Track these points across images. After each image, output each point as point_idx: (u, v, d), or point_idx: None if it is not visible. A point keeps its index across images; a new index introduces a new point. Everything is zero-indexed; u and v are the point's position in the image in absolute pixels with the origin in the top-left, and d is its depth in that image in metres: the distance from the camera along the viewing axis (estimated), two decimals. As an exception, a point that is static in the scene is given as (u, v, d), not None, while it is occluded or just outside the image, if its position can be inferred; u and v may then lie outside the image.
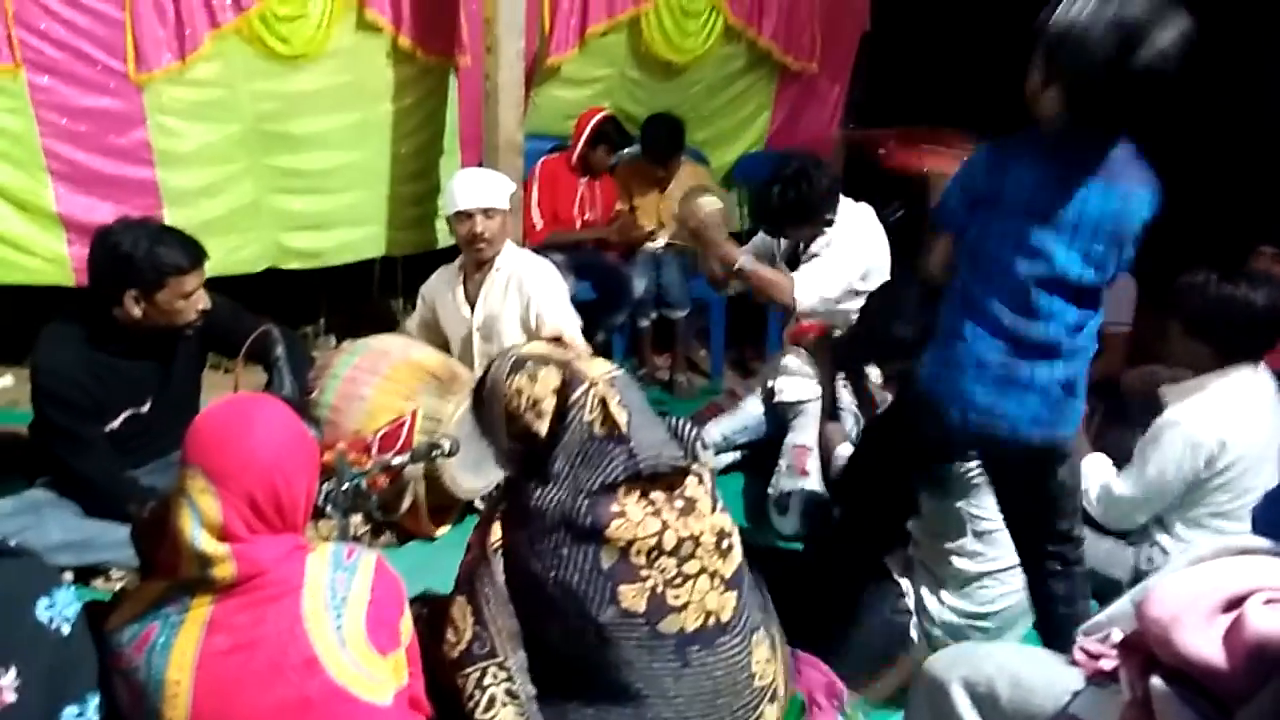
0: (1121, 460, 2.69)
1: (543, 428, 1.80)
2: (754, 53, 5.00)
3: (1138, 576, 2.63)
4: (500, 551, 1.83)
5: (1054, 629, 2.17)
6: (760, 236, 3.50)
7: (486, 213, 3.17)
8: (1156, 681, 0.97)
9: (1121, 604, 1.27)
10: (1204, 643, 0.94)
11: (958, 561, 2.40)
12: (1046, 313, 1.96)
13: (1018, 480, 2.15)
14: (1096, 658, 1.20)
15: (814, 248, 3.17)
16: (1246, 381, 2.52)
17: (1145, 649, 1.02)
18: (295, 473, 1.47)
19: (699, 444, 1.86)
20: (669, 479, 1.78)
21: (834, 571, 2.46)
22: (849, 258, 3.09)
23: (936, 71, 5.20)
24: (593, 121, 4.30)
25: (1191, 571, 1.05)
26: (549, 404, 1.80)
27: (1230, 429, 2.47)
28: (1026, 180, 1.91)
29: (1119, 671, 1.11)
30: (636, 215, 4.61)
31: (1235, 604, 0.97)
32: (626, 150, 4.56)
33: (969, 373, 2.01)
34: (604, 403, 1.76)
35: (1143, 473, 2.56)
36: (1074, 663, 1.29)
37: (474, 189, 3.19)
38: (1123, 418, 3.19)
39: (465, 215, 3.17)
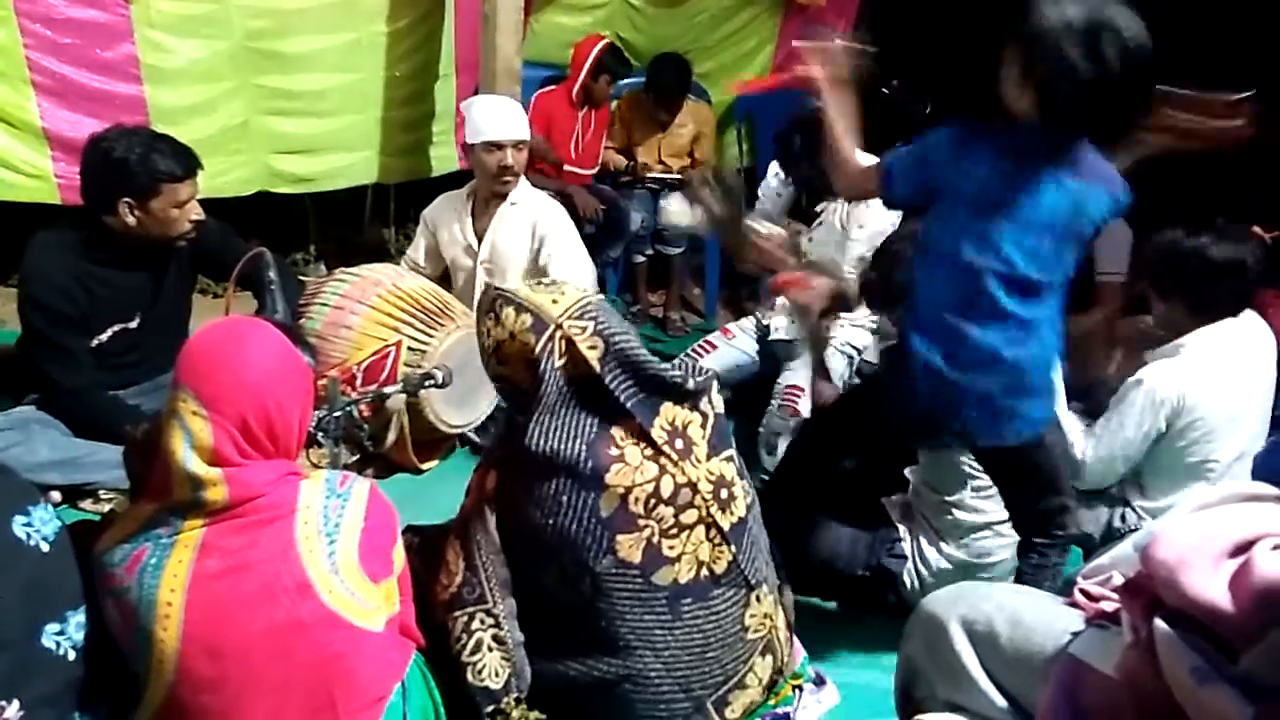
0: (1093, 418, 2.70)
1: (515, 372, 1.78)
2: (759, -18, 4.88)
3: (1110, 533, 2.65)
4: (497, 497, 1.83)
5: (1021, 571, 2.24)
6: (763, 191, 3.46)
7: (517, 145, 3.10)
8: (1160, 624, 0.97)
9: (1123, 548, 1.27)
10: (1211, 586, 0.94)
11: (957, 513, 2.41)
12: (990, 312, 1.93)
13: (994, 468, 2.19)
14: (1097, 600, 1.20)
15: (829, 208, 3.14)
16: (1222, 337, 2.49)
17: (1149, 592, 1.01)
18: (288, 398, 1.45)
19: (711, 385, 1.83)
20: (670, 409, 1.75)
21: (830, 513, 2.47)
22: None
23: (944, 7, 5.09)
24: (594, 52, 4.20)
25: (1198, 516, 1.05)
26: (514, 348, 1.77)
27: (1194, 386, 2.45)
28: (980, 171, 1.88)
29: (1120, 614, 1.11)
30: (635, 154, 4.54)
31: (1243, 549, 0.97)
32: (625, 82, 4.47)
33: (912, 379, 2.00)
34: (571, 344, 1.74)
35: (1105, 431, 2.55)
36: (1073, 604, 1.29)
37: (505, 119, 3.10)
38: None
39: (496, 146, 3.09)
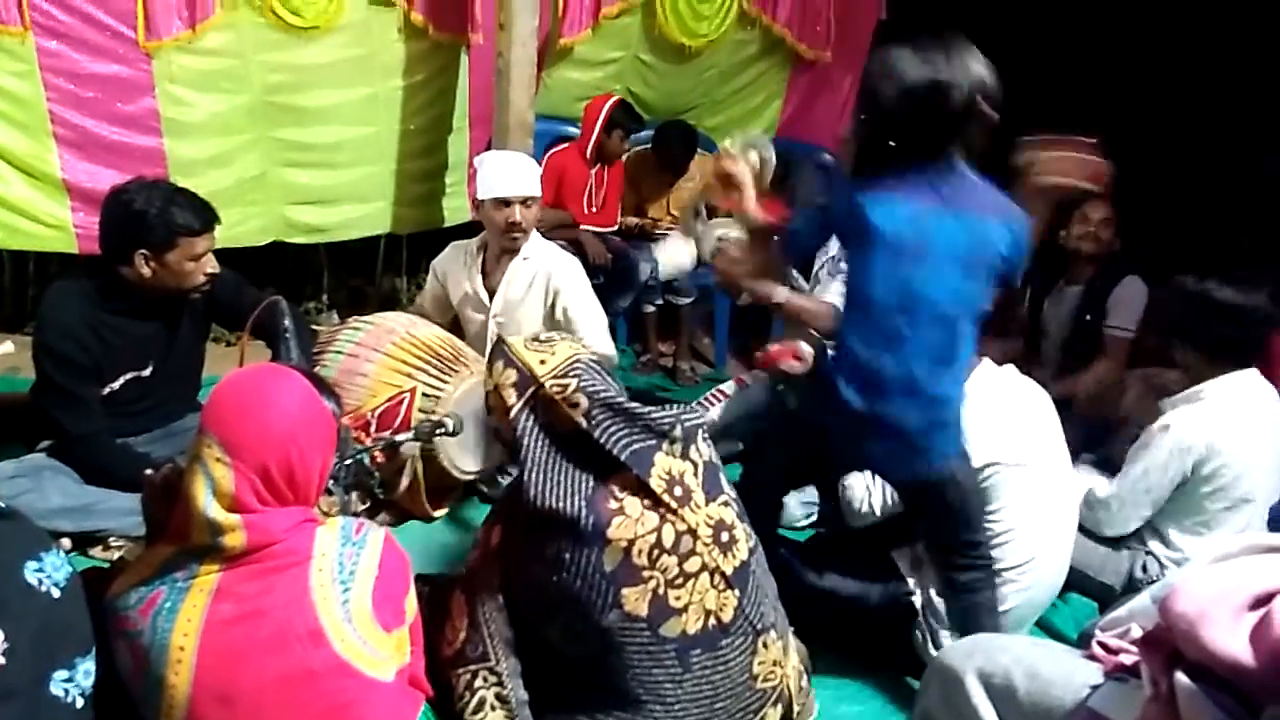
0: (1110, 470, 2.70)
1: (500, 424, 1.80)
2: (767, 39, 4.97)
3: (1131, 583, 2.64)
4: (502, 553, 1.82)
5: (965, 617, 2.25)
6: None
7: (525, 202, 3.09)
8: (1181, 677, 0.95)
9: (1141, 600, 1.26)
10: (1231, 639, 0.93)
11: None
12: (901, 348, 2.00)
13: (912, 502, 2.24)
14: (1115, 652, 1.19)
15: (819, 255, 3.15)
16: (1241, 386, 2.51)
17: (1168, 645, 1.00)
18: (311, 447, 1.45)
19: (699, 433, 1.83)
20: (664, 459, 1.75)
21: (839, 566, 2.45)
22: None
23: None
24: (606, 108, 4.25)
25: (1217, 568, 1.04)
26: (496, 400, 1.79)
27: (1220, 434, 2.46)
28: (889, 215, 1.96)
29: (1139, 667, 1.09)
30: (646, 211, 4.60)
31: (1262, 601, 0.96)
32: (634, 138, 4.53)
33: (834, 414, 2.07)
34: (552, 403, 1.75)
35: (1128, 477, 2.56)
36: (1091, 657, 1.27)
37: (515, 176, 3.09)
38: (1116, 422, 3.20)
39: (504, 203, 3.07)
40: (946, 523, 2.22)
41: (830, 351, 2.16)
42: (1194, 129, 4.60)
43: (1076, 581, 2.67)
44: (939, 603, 2.40)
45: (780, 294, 2.75)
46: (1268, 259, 3.37)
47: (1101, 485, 2.66)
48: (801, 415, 2.26)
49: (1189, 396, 2.55)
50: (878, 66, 1.95)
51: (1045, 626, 2.64)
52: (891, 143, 1.94)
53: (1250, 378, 2.53)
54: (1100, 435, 3.23)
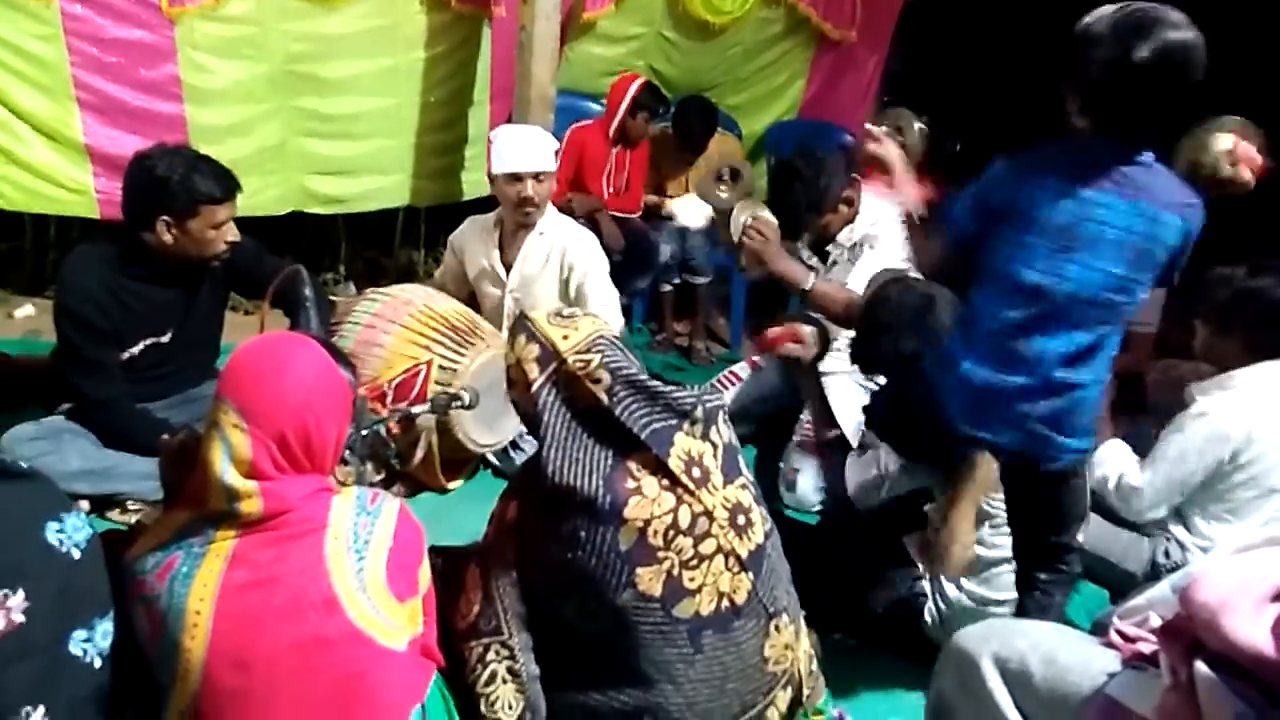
0: (1140, 456, 2.67)
1: (521, 398, 1.79)
2: (792, 18, 4.93)
3: (1154, 570, 2.62)
4: (517, 529, 1.83)
5: (1024, 606, 2.21)
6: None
7: (538, 176, 3.08)
8: (1201, 667, 0.95)
9: (1160, 589, 1.25)
10: (1253, 630, 0.92)
11: (976, 549, 2.37)
12: (1044, 337, 1.91)
13: (1019, 490, 2.15)
14: (1134, 641, 1.18)
15: (842, 237, 3.12)
16: (1273, 374, 2.49)
17: (1188, 634, 1.00)
18: (327, 415, 1.45)
19: (720, 414, 1.83)
20: (684, 439, 1.75)
21: (849, 550, 2.45)
22: (896, 255, 3.02)
23: (976, 45, 5.11)
24: (632, 90, 4.22)
25: (1240, 558, 1.03)
26: (518, 374, 1.78)
27: (1258, 423, 2.45)
28: (1045, 194, 1.86)
29: (1158, 656, 1.09)
30: (666, 189, 4.58)
31: (1285, 593, 0.95)
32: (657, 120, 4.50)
33: (956, 389, 2.00)
34: (575, 379, 1.74)
35: (1163, 461, 2.54)
36: (1109, 645, 1.27)
37: (527, 150, 3.08)
38: (1143, 412, 3.17)
39: (515, 178, 3.07)
40: (1049, 520, 2.14)
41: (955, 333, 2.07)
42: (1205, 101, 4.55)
43: (1097, 569, 2.66)
44: (948, 587, 2.40)
45: (808, 280, 2.74)
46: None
47: (1132, 466, 2.63)
48: (914, 405, 2.17)
49: (1220, 383, 2.53)
50: (1119, 24, 1.77)
51: (1056, 615, 2.64)
52: (1118, 111, 1.82)
53: (1277, 366, 2.50)
54: (1124, 428, 3.21)
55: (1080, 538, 2.19)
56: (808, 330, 2.76)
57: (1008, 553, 2.37)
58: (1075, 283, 1.87)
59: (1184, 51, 1.74)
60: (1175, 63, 1.74)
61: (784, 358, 2.79)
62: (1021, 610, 2.23)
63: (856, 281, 2.89)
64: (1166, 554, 2.62)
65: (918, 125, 3.09)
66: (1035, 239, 1.88)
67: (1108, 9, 1.81)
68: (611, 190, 4.35)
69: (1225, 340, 2.54)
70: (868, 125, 2.45)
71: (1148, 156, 1.87)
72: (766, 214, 2.85)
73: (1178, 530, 2.63)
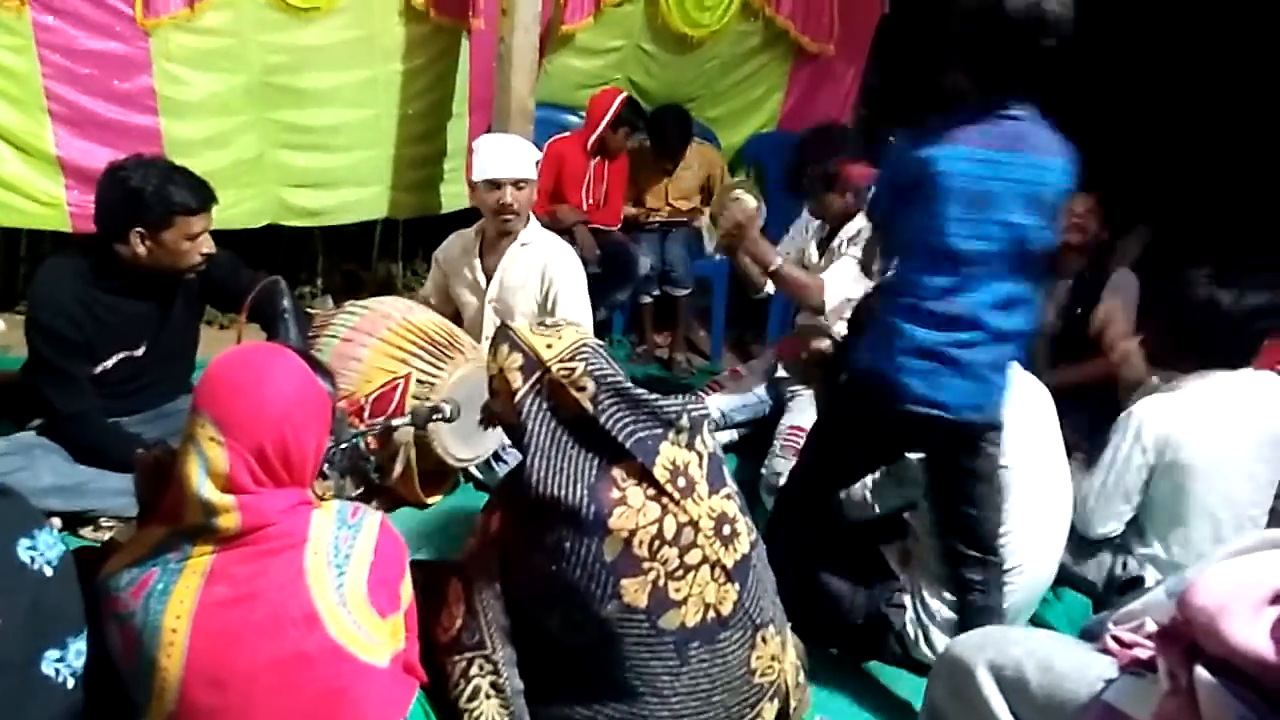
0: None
1: (503, 408, 1.77)
2: (770, 31, 4.94)
3: (1111, 581, 2.63)
4: (501, 540, 1.80)
5: (965, 614, 2.24)
6: (790, 236, 3.47)
7: (517, 184, 3.08)
8: (1202, 672, 0.94)
9: (1155, 594, 1.25)
10: (1252, 634, 0.92)
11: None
12: (975, 290, 2.02)
13: (950, 464, 2.20)
14: (1130, 646, 1.18)
15: (843, 233, 3.14)
16: (1225, 384, 2.46)
17: (1186, 639, 0.99)
18: (306, 427, 1.43)
19: (705, 424, 1.82)
20: (669, 449, 1.74)
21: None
22: None
23: (951, 58, 5.14)
24: (615, 104, 4.23)
25: (1236, 562, 1.03)
26: (500, 384, 1.77)
27: (1183, 423, 2.42)
28: (948, 161, 1.97)
29: (1155, 661, 1.08)
30: (645, 201, 4.59)
31: (1283, 597, 0.95)
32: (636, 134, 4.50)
33: (903, 363, 2.06)
34: (559, 387, 1.73)
35: (1100, 468, 2.52)
36: (1104, 651, 1.26)
37: (506, 157, 3.08)
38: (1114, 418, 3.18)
39: (495, 185, 3.07)
40: (973, 495, 2.19)
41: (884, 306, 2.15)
42: (1179, 114, 4.61)
43: (1063, 575, 2.66)
44: (929, 598, 2.39)
45: (776, 260, 2.76)
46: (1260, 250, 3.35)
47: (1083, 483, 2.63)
48: (857, 394, 2.22)
49: (1166, 387, 2.52)
50: None
51: (1038, 623, 2.63)
52: (981, 74, 1.99)
53: (1239, 378, 2.47)
54: (1097, 427, 3.22)
55: (1007, 525, 2.25)
56: (819, 341, 2.78)
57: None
58: (994, 240, 1.98)
59: (1054, 8, 1.88)
60: (1044, 18, 1.88)
61: (808, 362, 2.82)
62: (963, 614, 2.25)
63: (831, 274, 2.94)
64: (1124, 565, 2.63)
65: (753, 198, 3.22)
66: (948, 206, 1.97)
67: None
68: (591, 202, 4.34)
69: (1178, 348, 2.52)
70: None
71: (1026, 112, 2.00)
72: (746, 197, 2.87)
73: (1133, 542, 2.63)
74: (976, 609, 2.22)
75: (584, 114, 4.35)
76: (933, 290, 2.03)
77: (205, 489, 1.35)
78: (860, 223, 3.09)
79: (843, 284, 2.98)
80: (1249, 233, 3.91)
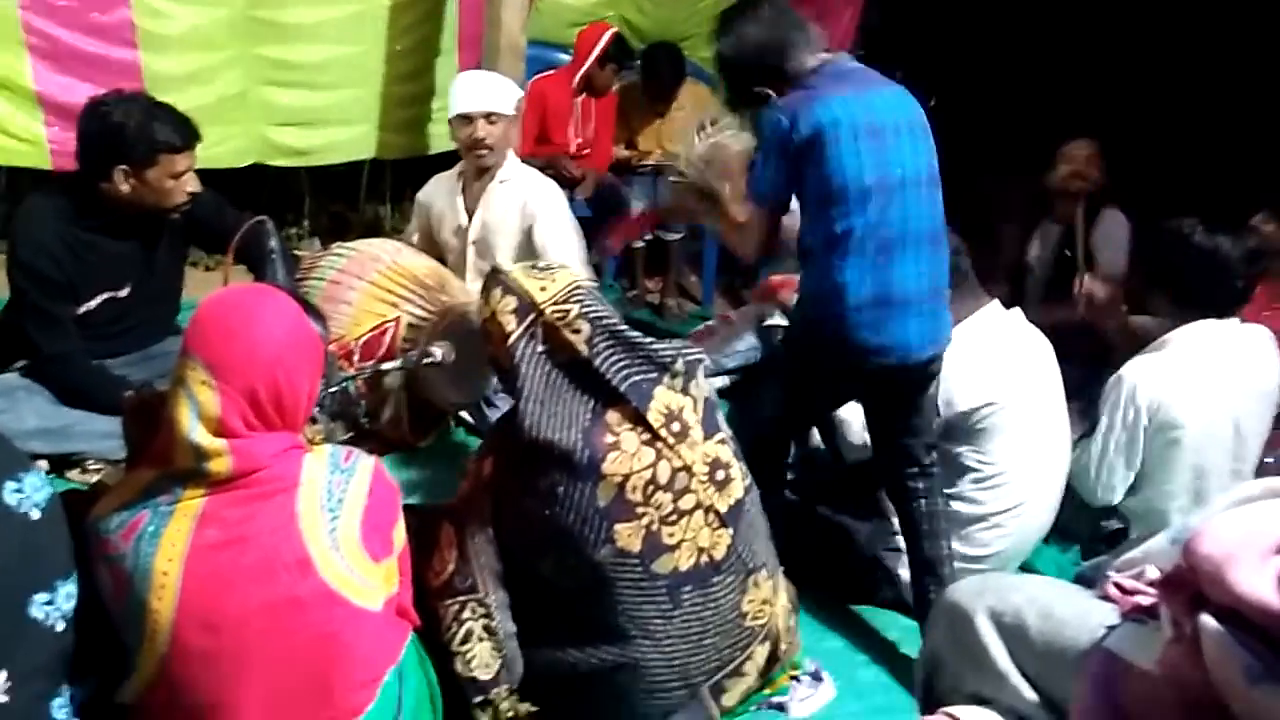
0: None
1: (497, 353, 1.76)
2: (766, -31, 4.83)
3: (1096, 532, 2.66)
4: (494, 485, 1.79)
5: (915, 521, 2.27)
6: None
7: (489, 117, 3.04)
8: (1207, 619, 0.94)
9: (1157, 542, 1.24)
10: (1259, 582, 0.92)
11: (955, 505, 2.37)
12: (901, 219, 2.05)
13: (895, 399, 2.22)
14: (1131, 594, 1.18)
15: None
16: (1210, 336, 2.44)
17: (1191, 587, 0.99)
18: (299, 370, 1.40)
19: (699, 368, 1.80)
20: (664, 393, 1.72)
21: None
22: None
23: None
24: (603, 40, 4.14)
25: (1242, 510, 1.03)
26: (494, 327, 1.75)
27: (1173, 383, 2.40)
28: (839, 109, 2.02)
29: (1158, 608, 1.08)
30: (637, 143, 4.51)
31: (1289, 546, 0.94)
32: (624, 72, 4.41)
33: (847, 315, 2.06)
34: (554, 329, 1.70)
35: (1099, 434, 2.50)
36: (1105, 598, 1.27)
37: (477, 91, 3.06)
38: (1107, 364, 3.17)
39: (466, 119, 3.04)
40: (916, 422, 2.23)
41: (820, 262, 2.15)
42: (1179, 64, 4.57)
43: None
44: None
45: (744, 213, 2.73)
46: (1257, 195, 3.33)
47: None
48: (805, 336, 2.24)
49: (1154, 346, 2.50)
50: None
51: (1026, 568, 2.65)
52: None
53: (1219, 326, 2.45)
54: (1090, 376, 3.21)
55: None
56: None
57: (987, 509, 2.38)
58: (902, 167, 2.05)
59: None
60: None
61: (783, 305, 2.77)
62: (911, 524, 2.27)
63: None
64: (1108, 517, 2.64)
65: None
66: (852, 146, 2.02)
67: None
68: (580, 141, 4.27)
69: (1158, 293, 2.52)
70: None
71: (851, 62, 2.21)
72: (731, 141, 2.78)
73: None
74: (924, 513, 2.25)
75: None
76: (859, 232, 2.04)
77: (196, 433, 1.33)
78: None
79: None
80: (1230, 181, 3.89)
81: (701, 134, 2.82)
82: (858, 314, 2.05)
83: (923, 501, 2.25)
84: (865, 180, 2.02)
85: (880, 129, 2.04)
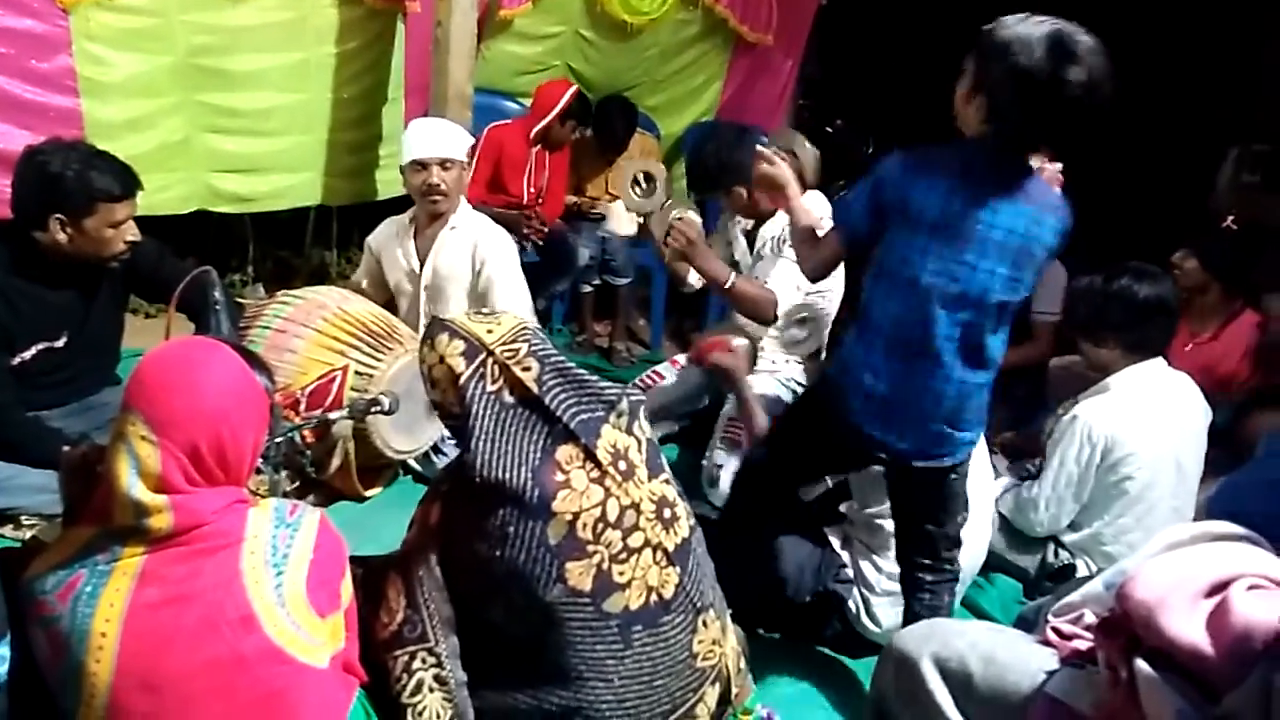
0: (1028, 447, 2.76)
1: (445, 397, 1.75)
2: (710, 20, 4.95)
3: (1044, 569, 2.72)
4: (441, 531, 1.78)
5: (914, 615, 2.21)
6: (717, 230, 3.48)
7: (443, 164, 3.07)
8: (1142, 665, 0.96)
9: (1093, 586, 1.27)
10: (1190, 627, 0.94)
11: (889, 525, 2.39)
12: (940, 336, 1.94)
13: (905, 487, 2.19)
14: (1069, 638, 1.20)
15: (769, 230, 3.13)
16: (1147, 376, 2.59)
17: (1125, 631, 1.01)
18: (242, 424, 1.39)
19: (641, 410, 1.82)
20: (610, 431, 1.74)
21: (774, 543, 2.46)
22: None
23: (889, 49, 5.21)
24: (566, 97, 4.19)
25: (1173, 555, 1.06)
26: (442, 371, 1.75)
27: (1125, 424, 2.53)
28: (934, 195, 1.89)
29: (1095, 652, 1.11)
30: (585, 190, 4.55)
31: (1218, 589, 0.97)
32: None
33: (857, 397, 2.03)
34: (504, 368, 1.72)
35: (1050, 471, 2.62)
36: (1045, 642, 1.29)
37: (431, 138, 3.09)
38: (1041, 406, 3.27)
39: (420, 165, 3.07)
40: (934, 514, 2.17)
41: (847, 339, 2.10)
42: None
43: (997, 563, 2.73)
44: (867, 572, 2.43)
45: (729, 278, 2.74)
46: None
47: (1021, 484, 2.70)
48: (817, 408, 2.17)
49: (1099, 388, 2.62)
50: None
51: (971, 607, 2.69)
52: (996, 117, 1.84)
53: (1155, 368, 2.60)
54: (1024, 417, 3.31)
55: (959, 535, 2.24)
56: (740, 343, 2.76)
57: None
58: (964, 283, 1.90)
59: (1106, 77, 1.78)
60: (1101, 88, 1.78)
61: (715, 368, 2.80)
62: (911, 615, 2.24)
63: (777, 281, 2.90)
64: (1055, 554, 2.71)
65: (809, 146, 3.13)
66: (926, 240, 1.90)
67: (1020, 20, 1.83)
68: (532, 190, 4.30)
69: (1103, 347, 2.62)
70: (758, 148, 2.46)
71: (1033, 164, 1.96)
72: (691, 215, 2.85)
73: (1066, 536, 2.72)
74: (925, 606, 2.21)
75: (522, 100, 4.30)
76: (894, 324, 1.97)
77: (136, 489, 1.30)
78: (784, 222, 3.09)
79: (788, 294, 2.92)
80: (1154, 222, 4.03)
81: (636, 189, 2.90)
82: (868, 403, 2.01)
83: (927, 595, 2.20)
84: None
85: (966, 236, 1.89)
